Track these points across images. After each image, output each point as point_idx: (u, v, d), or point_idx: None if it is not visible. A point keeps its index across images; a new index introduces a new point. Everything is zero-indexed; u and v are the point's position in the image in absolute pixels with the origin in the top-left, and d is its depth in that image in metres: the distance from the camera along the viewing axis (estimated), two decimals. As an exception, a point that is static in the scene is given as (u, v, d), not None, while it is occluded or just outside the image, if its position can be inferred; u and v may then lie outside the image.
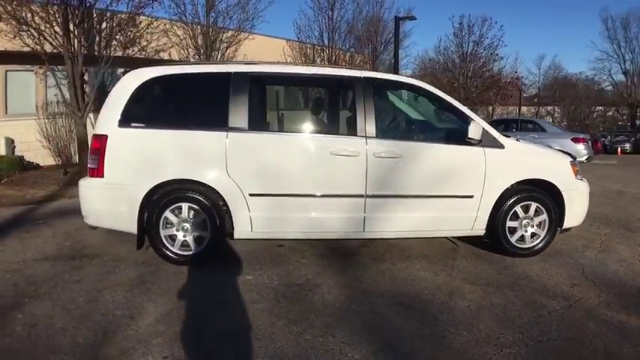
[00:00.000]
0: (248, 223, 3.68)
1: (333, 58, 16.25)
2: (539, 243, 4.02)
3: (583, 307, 3.01)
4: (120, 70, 9.47)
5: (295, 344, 2.50)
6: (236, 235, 3.74)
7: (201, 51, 10.80)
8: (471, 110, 4.05)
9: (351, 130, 3.73)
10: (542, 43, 63.24)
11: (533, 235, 4.01)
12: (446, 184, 3.83)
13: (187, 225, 3.68)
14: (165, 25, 10.12)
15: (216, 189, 3.61)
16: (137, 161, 3.62)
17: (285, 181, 3.67)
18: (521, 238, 4.00)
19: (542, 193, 3.96)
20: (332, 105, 4.04)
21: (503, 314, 2.90)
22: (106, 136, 3.57)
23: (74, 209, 5.69)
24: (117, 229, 3.81)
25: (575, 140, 11.52)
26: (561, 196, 3.98)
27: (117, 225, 3.74)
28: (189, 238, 3.69)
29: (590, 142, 12.71)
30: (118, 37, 8.78)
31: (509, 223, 3.95)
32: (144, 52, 9.64)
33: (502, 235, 3.95)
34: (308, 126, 3.92)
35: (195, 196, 3.62)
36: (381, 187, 3.74)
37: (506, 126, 12.93)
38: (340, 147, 3.66)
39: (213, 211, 3.63)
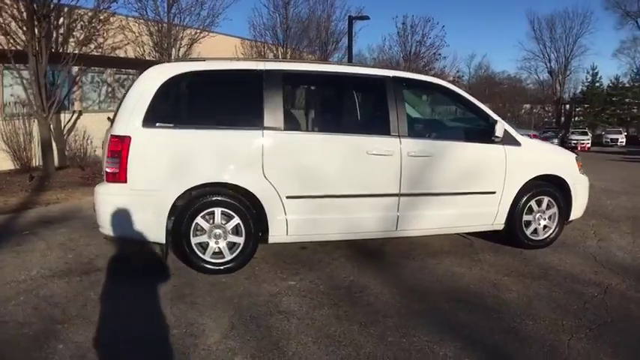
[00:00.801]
0: (284, 226, 3.61)
1: (287, 56, 16.25)
2: (550, 235, 4.37)
3: (616, 291, 3.33)
4: (75, 69, 8.80)
5: (384, 347, 2.53)
6: (271, 240, 3.66)
7: (156, 48, 10.33)
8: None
9: (385, 129, 3.79)
10: (473, 43, 67.48)
11: (545, 227, 4.34)
12: (471, 181, 4.03)
13: (220, 231, 3.53)
14: (121, 21, 9.55)
15: (253, 192, 3.50)
16: (165, 164, 3.41)
17: (322, 182, 3.65)
18: (535, 231, 4.32)
19: (553, 187, 4.30)
20: (364, 104, 4.08)
21: (553, 303, 3.13)
22: (129, 137, 3.32)
23: (56, 217, 5.30)
24: (140, 240, 3.56)
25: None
26: (569, 190, 4.35)
27: (142, 235, 3.50)
28: (223, 245, 3.55)
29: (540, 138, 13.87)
30: (76, 33, 8.13)
31: (525, 217, 4.24)
32: (100, 50, 9.02)
33: (519, 228, 4.23)
34: (343, 125, 3.92)
35: (229, 200, 3.50)
36: (414, 186, 3.85)
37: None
38: (377, 146, 3.72)
39: (247, 216, 3.52)
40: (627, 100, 38.25)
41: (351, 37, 16.66)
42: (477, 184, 4.05)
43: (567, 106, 41.26)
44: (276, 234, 3.64)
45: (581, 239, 4.70)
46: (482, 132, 4.06)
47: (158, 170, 3.40)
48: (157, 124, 3.38)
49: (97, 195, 3.43)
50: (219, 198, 3.49)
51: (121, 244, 4.24)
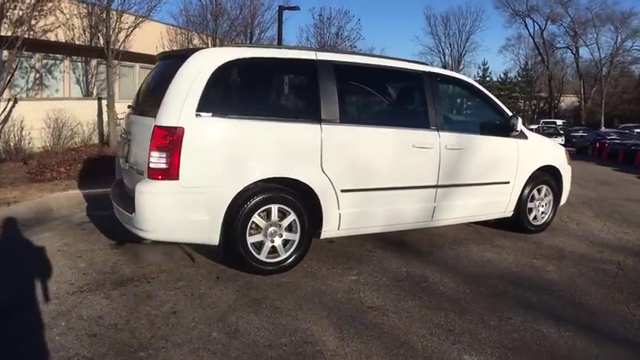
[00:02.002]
0: (337, 221, 3.63)
1: (216, 45, 15.71)
2: (547, 220, 4.98)
3: (629, 267, 3.95)
4: (4, 54, 7.54)
5: (495, 331, 2.73)
6: (323, 235, 3.65)
7: (86, 32, 9.35)
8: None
9: (425, 123, 3.98)
10: (373, 37, 70.91)
11: (542, 213, 4.93)
12: (492, 172, 4.43)
13: (275, 229, 3.42)
14: (54, 1, 8.42)
15: (312, 186, 3.45)
16: (222, 158, 3.20)
17: (373, 175, 3.73)
18: (535, 217, 4.87)
19: (550, 177, 4.90)
20: (407, 97, 4.19)
21: (589, 280, 3.63)
22: (182, 128, 3.05)
23: (29, 219, 4.74)
24: (191, 242, 3.31)
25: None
26: (562, 179, 4.99)
27: (194, 237, 3.25)
28: (278, 243, 3.45)
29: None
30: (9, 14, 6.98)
31: (529, 204, 4.77)
32: (32, 32, 7.87)
33: (524, 215, 4.76)
34: (391, 118, 4.00)
35: (286, 196, 3.40)
36: (449, 178, 4.12)
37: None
38: (421, 140, 3.89)
39: (303, 211, 3.47)
40: (515, 94, 43.55)
41: (281, 27, 16.60)
42: (497, 174, 4.46)
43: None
44: (329, 229, 3.63)
45: (562, 224, 5.40)
46: (500, 126, 4.47)
47: (214, 165, 3.17)
48: (212, 114, 3.14)
49: (142, 195, 3.08)
50: (278, 194, 3.36)
51: (132, 247, 3.87)
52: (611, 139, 18.34)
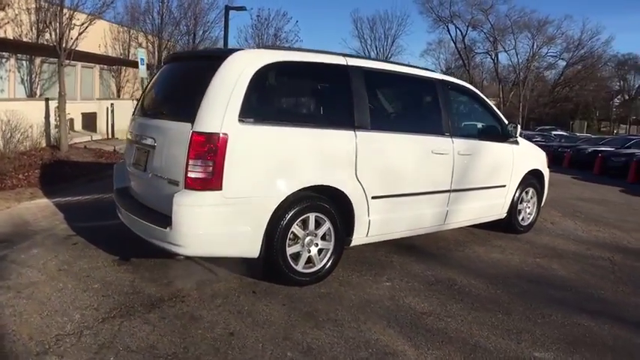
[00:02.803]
0: (366, 227, 3.68)
1: (163, 46, 15.20)
2: (532, 220, 5.41)
3: (620, 262, 4.43)
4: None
5: (547, 328, 2.95)
6: (353, 242, 3.68)
7: (33, 28, 8.57)
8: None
9: (440, 129, 4.17)
10: (305, 39, 71.73)
11: (529, 214, 5.34)
12: (493, 176, 4.74)
13: (312, 238, 3.40)
14: None
15: (347, 194, 3.48)
16: (264, 166, 3.12)
17: (400, 181, 3.84)
18: (522, 218, 5.28)
19: (536, 180, 5.33)
20: (425, 104, 4.32)
21: (594, 275, 4.03)
22: (226, 134, 2.93)
23: (5, 234, 4.12)
24: (230, 256, 3.16)
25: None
26: (544, 182, 5.45)
27: (234, 250, 3.12)
28: (314, 253, 3.43)
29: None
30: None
31: (519, 206, 5.16)
32: None
33: (514, 216, 5.14)
34: (411, 125, 4.09)
35: (323, 204, 3.39)
36: (460, 182, 4.34)
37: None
38: (439, 146, 4.07)
39: (337, 219, 3.48)
40: (437, 97, 46.02)
41: (227, 28, 16.35)
42: (497, 178, 4.77)
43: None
44: (359, 236, 3.67)
45: (539, 223, 5.87)
46: (499, 133, 4.79)
47: (256, 173, 3.08)
48: (254, 120, 3.05)
49: (182, 207, 2.89)
50: (315, 202, 3.34)
51: (141, 263, 3.64)
52: (536, 141, 20.16)
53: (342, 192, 3.45)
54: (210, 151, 2.90)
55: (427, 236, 4.77)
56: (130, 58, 15.41)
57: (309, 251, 3.39)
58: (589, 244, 5.02)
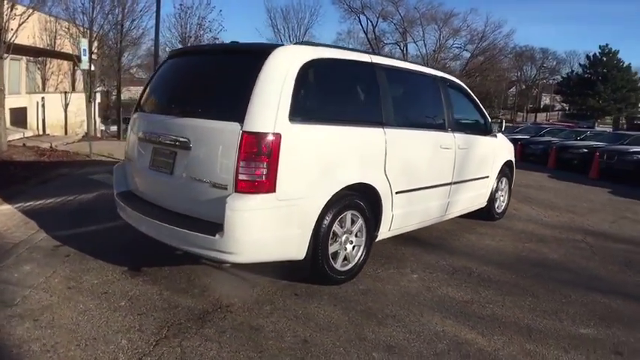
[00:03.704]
0: (389, 222, 3.83)
1: (94, 37, 14.20)
2: (504, 208, 5.95)
3: (593, 243, 5.06)
4: None
5: (574, 307, 3.33)
6: (378, 237, 3.81)
7: None
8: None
9: (443, 125, 4.43)
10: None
11: (502, 202, 5.87)
12: (481, 168, 5.14)
13: (348, 236, 3.48)
14: None
15: (378, 190, 3.58)
16: (313, 166, 3.12)
17: (416, 176, 4.04)
18: (498, 206, 5.79)
19: (508, 170, 5.85)
20: (431, 101, 4.48)
21: (581, 257, 4.57)
22: (279, 134, 2.88)
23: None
24: (279, 260, 3.11)
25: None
26: (513, 171, 6.01)
27: (283, 254, 3.09)
28: (349, 250, 3.51)
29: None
30: None
31: (496, 195, 5.65)
32: None
33: (492, 204, 5.62)
34: (423, 121, 4.26)
35: (359, 201, 3.47)
36: (459, 175, 4.66)
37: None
38: (445, 141, 4.34)
39: (368, 216, 3.59)
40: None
41: (159, 17, 15.54)
42: (483, 170, 5.19)
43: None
44: (383, 231, 3.81)
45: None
46: (484, 127, 5.20)
47: (306, 174, 3.07)
48: (301, 119, 3.02)
49: (236, 213, 2.79)
50: (353, 200, 3.40)
51: (154, 272, 3.47)
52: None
53: (375, 189, 3.55)
54: (263, 152, 2.83)
55: (421, 227, 5.04)
56: (56, 49, 14.27)
57: (345, 249, 3.45)
58: (559, 229, 5.65)
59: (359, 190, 3.45)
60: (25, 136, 11.59)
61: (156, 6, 15.16)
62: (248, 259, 2.94)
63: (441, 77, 4.59)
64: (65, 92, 14.97)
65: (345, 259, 3.47)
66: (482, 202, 5.39)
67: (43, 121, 12.97)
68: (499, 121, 5.23)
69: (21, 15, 8.24)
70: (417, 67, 4.35)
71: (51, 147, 9.26)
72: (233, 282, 3.43)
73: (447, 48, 46.49)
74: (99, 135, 16.88)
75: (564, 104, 46.30)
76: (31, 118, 12.76)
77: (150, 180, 3.43)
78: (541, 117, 50.74)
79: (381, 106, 3.62)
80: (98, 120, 17.32)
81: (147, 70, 26.13)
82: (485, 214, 5.61)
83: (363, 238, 3.58)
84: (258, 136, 2.82)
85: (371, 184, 3.50)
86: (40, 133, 12.70)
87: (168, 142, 3.21)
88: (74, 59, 13.44)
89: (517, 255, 4.49)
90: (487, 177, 5.31)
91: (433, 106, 4.42)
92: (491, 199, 5.52)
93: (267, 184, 2.85)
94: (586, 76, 37.36)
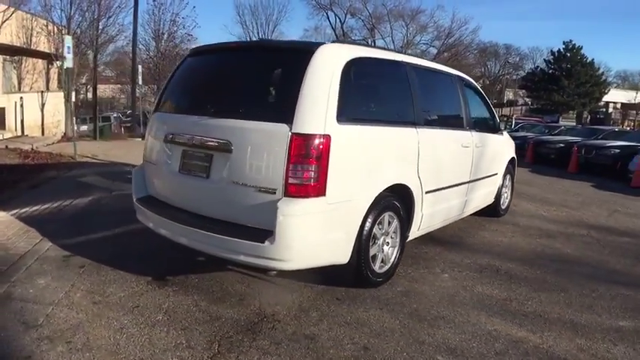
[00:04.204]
0: (419, 222, 3.90)
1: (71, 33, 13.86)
2: (508, 204, 6.14)
3: (597, 237, 5.29)
4: None
5: (605, 300, 3.49)
6: (409, 237, 3.86)
7: None
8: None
9: (461, 124, 4.52)
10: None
11: (506, 199, 6.06)
12: (492, 165, 5.28)
13: (385, 237, 3.51)
14: None
15: (412, 191, 3.63)
16: (358, 168, 3.13)
17: (443, 175, 4.12)
18: (502, 202, 5.97)
19: (511, 167, 6.04)
20: (453, 100, 4.55)
21: (592, 251, 4.78)
22: (328, 136, 2.87)
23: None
24: (325, 265, 3.09)
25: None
26: (515, 168, 6.21)
27: (330, 258, 3.08)
28: (386, 252, 3.54)
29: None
30: None
31: (501, 192, 5.83)
32: None
33: (498, 201, 5.79)
34: (446, 120, 4.32)
35: (396, 202, 3.51)
36: (475, 173, 4.78)
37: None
38: (465, 140, 4.44)
39: (402, 216, 3.63)
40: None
41: (137, 14, 15.30)
42: (494, 168, 5.34)
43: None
44: (413, 230, 3.87)
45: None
46: (494, 125, 5.34)
47: (352, 176, 3.07)
48: (346, 119, 3.02)
49: (288, 218, 2.75)
50: (391, 201, 3.43)
51: (182, 281, 3.41)
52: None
53: (410, 189, 3.59)
54: (313, 154, 2.80)
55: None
56: (32, 47, 13.85)
57: (382, 251, 3.48)
58: (562, 223, 5.89)
59: (395, 190, 3.48)
60: (5, 137, 11.30)
61: (134, 2, 14.96)
62: (298, 265, 2.91)
63: (458, 76, 4.69)
64: (42, 92, 14.55)
65: (382, 261, 3.50)
66: (491, 199, 5.54)
67: (22, 121, 12.67)
68: (506, 119, 5.38)
69: (4, 12, 7.83)
70: (439, 66, 4.43)
71: (32, 149, 8.96)
72: (269, 288, 3.39)
73: (415, 44, 47.30)
74: (75, 135, 16.44)
75: (528, 99, 47.96)
76: (10, 119, 12.43)
77: (179, 185, 3.33)
78: (505, 112, 52.45)
79: (413, 105, 3.66)
80: (73, 119, 16.91)
81: (114, 69, 25.59)
82: (492, 210, 5.76)
83: (398, 239, 3.61)
84: (309, 138, 2.79)
85: (406, 184, 3.54)
86: (19, 134, 12.41)
87: (203, 144, 3.13)
88: (51, 57, 13.09)
89: (533, 251, 4.64)
90: (496, 174, 5.46)
91: (454, 104, 4.51)
92: (498, 196, 5.68)
93: (317, 188, 2.83)
94: (550, 71, 38.87)
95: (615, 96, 44.15)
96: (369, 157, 3.19)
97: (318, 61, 2.94)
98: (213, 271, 3.62)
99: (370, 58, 3.37)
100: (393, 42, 44.83)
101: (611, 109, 43.57)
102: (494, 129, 5.35)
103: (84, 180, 6.62)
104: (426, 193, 3.84)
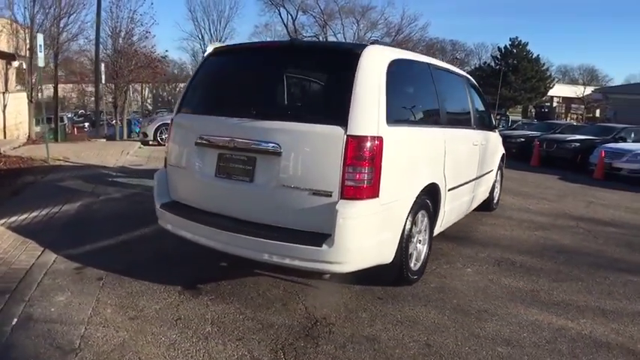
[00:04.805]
0: (442, 218, 4.09)
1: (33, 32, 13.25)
2: (498, 199, 6.50)
3: (587, 228, 5.72)
4: None
5: (618, 287, 3.82)
6: (434, 234, 4.03)
7: None
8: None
9: (469, 122, 4.76)
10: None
11: (497, 194, 6.42)
12: (490, 162, 5.58)
13: (418, 235, 3.66)
14: None
15: (440, 189, 3.81)
16: (403, 168, 3.26)
17: (459, 172, 4.32)
18: (494, 197, 6.32)
19: (501, 162, 6.40)
20: (463, 99, 4.74)
21: (587, 241, 5.18)
22: (381, 137, 2.97)
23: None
24: (373, 266, 3.17)
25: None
26: (504, 164, 6.58)
27: (378, 259, 3.18)
28: (419, 249, 3.69)
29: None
30: None
31: (494, 187, 6.17)
32: None
33: (492, 196, 6.12)
34: (461, 119, 4.52)
35: (427, 201, 3.67)
36: (480, 170, 5.04)
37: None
38: (475, 138, 4.69)
39: (431, 213, 3.80)
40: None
41: (100, 11, 14.81)
42: (491, 164, 5.65)
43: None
44: (437, 227, 4.04)
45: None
46: (491, 123, 5.65)
47: (399, 177, 3.20)
48: (393, 120, 3.13)
49: (348, 221, 2.82)
50: (424, 200, 3.58)
51: (215, 289, 3.42)
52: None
53: (438, 187, 3.76)
54: (367, 156, 2.88)
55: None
56: None
57: (416, 248, 3.62)
58: (550, 216, 6.31)
59: (426, 189, 3.63)
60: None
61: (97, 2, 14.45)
62: (353, 267, 2.98)
63: (465, 76, 4.92)
64: (3, 93, 13.54)
65: (416, 259, 3.64)
66: (487, 195, 5.85)
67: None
68: (503, 117, 5.71)
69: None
70: (450, 66, 4.63)
71: (0, 152, 8.33)
72: (308, 292, 3.44)
73: (365, 41, 48.16)
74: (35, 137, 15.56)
75: (476, 94, 50.31)
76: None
77: (216, 190, 3.30)
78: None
79: (439, 105, 3.83)
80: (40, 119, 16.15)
81: (64, 68, 24.55)
82: (486, 205, 6.07)
83: (427, 237, 3.77)
84: (364, 140, 2.87)
85: (437, 182, 3.70)
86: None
87: (247, 147, 3.12)
88: (10, 57, 12.33)
89: (536, 243, 4.97)
90: (492, 170, 5.77)
91: (464, 104, 4.74)
92: (492, 190, 6.01)
93: (371, 190, 2.91)
94: (497, 67, 40.95)
95: (559, 90, 47.13)
96: (411, 158, 3.32)
97: (367, 63, 3.02)
98: (240, 276, 3.62)
99: (405, 59, 3.50)
100: (345, 38, 45.38)
101: (555, 104, 46.48)
102: (491, 126, 5.65)
103: (65, 184, 6.34)
104: (449, 190, 4.02)
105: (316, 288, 3.49)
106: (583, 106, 22.96)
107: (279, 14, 47.88)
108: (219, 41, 49.15)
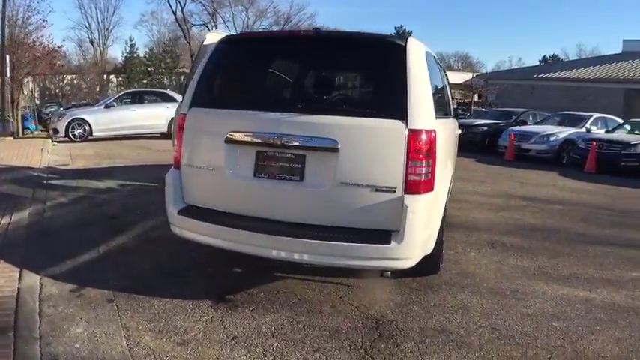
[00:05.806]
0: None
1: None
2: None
3: (539, 205, 6.45)
4: None
5: (614, 263, 4.40)
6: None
7: None
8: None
9: (450, 111, 5.08)
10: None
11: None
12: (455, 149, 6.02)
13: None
14: None
15: (451, 177, 4.07)
16: (444, 161, 3.44)
17: (451, 160, 4.62)
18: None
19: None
20: (445, 88, 4.96)
21: (566, 221, 5.83)
22: (435, 131, 3.07)
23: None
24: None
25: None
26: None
27: (427, 251, 3.26)
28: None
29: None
30: None
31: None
32: None
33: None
34: (450, 110, 4.80)
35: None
36: (453, 157, 5.39)
37: (134, 98, 13.89)
38: (455, 126, 5.04)
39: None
40: (161, 69, 45.93)
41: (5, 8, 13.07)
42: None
43: (111, 76, 45.31)
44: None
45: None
46: (452, 110, 6.07)
47: (440, 169, 3.31)
48: (436, 114, 3.26)
49: (417, 216, 2.89)
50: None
51: (247, 298, 3.35)
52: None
53: (450, 176, 4.00)
54: (424, 150, 2.95)
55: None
56: None
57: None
58: (499, 197, 7.01)
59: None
60: None
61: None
62: (414, 262, 3.02)
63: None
64: None
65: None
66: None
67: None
68: (465, 107, 6.19)
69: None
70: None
71: None
72: (347, 291, 3.44)
73: (255, 29, 47.80)
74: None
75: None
76: None
77: (255, 191, 3.12)
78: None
79: (448, 97, 4.07)
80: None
81: None
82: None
83: (444, 226, 3.99)
84: (423, 134, 2.93)
85: (451, 172, 3.94)
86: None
87: (295, 144, 3.01)
88: None
89: (509, 224, 5.51)
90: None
91: (447, 93, 5.03)
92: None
93: (430, 183, 3.00)
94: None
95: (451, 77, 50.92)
96: (446, 150, 3.51)
97: (415, 56, 3.08)
98: (265, 282, 3.52)
99: (429, 52, 3.64)
100: (235, 27, 44.89)
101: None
102: (454, 114, 6.08)
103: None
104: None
105: (350, 286, 3.51)
106: (471, 92, 25.33)
107: (168, 2, 45.80)
108: (108, 30, 46.61)
